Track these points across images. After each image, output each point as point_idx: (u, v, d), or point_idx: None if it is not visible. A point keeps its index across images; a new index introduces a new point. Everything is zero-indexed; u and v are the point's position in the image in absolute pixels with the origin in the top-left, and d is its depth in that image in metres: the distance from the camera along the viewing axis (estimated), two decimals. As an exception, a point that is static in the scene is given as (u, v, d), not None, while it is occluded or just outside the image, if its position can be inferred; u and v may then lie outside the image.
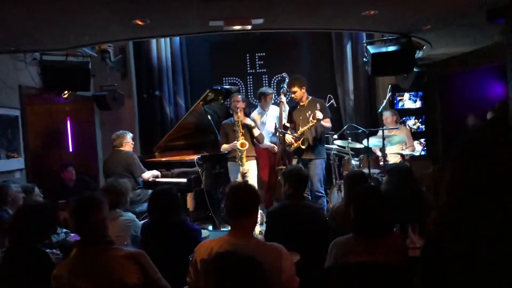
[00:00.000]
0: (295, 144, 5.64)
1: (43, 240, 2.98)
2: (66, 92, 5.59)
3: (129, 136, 5.76)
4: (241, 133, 5.60)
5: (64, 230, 4.49)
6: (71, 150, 6.86)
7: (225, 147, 5.85)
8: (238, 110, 5.66)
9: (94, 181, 6.11)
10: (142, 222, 4.02)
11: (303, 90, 5.70)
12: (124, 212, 3.60)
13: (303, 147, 5.63)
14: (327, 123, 5.72)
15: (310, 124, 5.51)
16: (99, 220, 2.38)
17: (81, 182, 6.02)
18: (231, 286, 1.47)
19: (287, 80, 6.17)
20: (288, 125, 5.99)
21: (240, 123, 5.62)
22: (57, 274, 2.32)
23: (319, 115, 5.40)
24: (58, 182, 6.04)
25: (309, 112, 5.61)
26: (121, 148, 5.65)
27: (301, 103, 5.78)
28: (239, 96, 5.90)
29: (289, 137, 5.70)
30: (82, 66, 5.15)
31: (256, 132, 5.80)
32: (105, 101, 5.78)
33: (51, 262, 3.01)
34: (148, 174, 5.67)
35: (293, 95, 5.75)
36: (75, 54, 5.20)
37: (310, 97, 5.79)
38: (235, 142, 5.62)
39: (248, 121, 5.75)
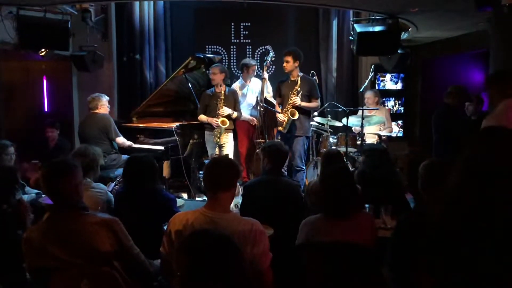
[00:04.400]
0: (286, 120, 5.56)
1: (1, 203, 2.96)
2: (43, 49, 5.42)
3: (105, 99, 5.63)
4: (221, 106, 5.57)
5: (36, 191, 4.43)
6: (46, 109, 6.68)
7: (202, 118, 5.76)
8: (220, 83, 5.60)
9: (71, 147, 5.95)
10: (114, 186, 3.97)
11: (296, 64, 5.54)
12: (95, 184, 3.51)
13: (293, 118, 5.55)
14: (315, 103, 5.70)
15: (295, 101, 5.48)
16: (73, 185, 2.34)
17: (60, 146, 5.88)
18: (203, 267, 1.47)
19: (271, 53, 6.10)
20: (274, 101, 5.94)
21: (222, 95, 5.57)
22: (28, 237, 2.29)
23: (296, 100, 5.46)
24: (41, 139, 5.85)
25: (298, 89, 5.54)
26: (97, 111, 5.54)
27: (291, 78, 5.64)
28: (218, 68, 5.73)
29: (281, 116, 5.60)
30: (62, 24, 4.99)
31: (234, 115, 5.76)
32: (83, 61, 5.63)
33: (13, 222, 2.99)
34: (122, 139, 5.57)
35: (284, 64, 5.57)
36: (54, 11, 5.02)
37: (302, 74, 5.63)
38: (216, 119, 5.58)
39: (226, 111, 5.64)
